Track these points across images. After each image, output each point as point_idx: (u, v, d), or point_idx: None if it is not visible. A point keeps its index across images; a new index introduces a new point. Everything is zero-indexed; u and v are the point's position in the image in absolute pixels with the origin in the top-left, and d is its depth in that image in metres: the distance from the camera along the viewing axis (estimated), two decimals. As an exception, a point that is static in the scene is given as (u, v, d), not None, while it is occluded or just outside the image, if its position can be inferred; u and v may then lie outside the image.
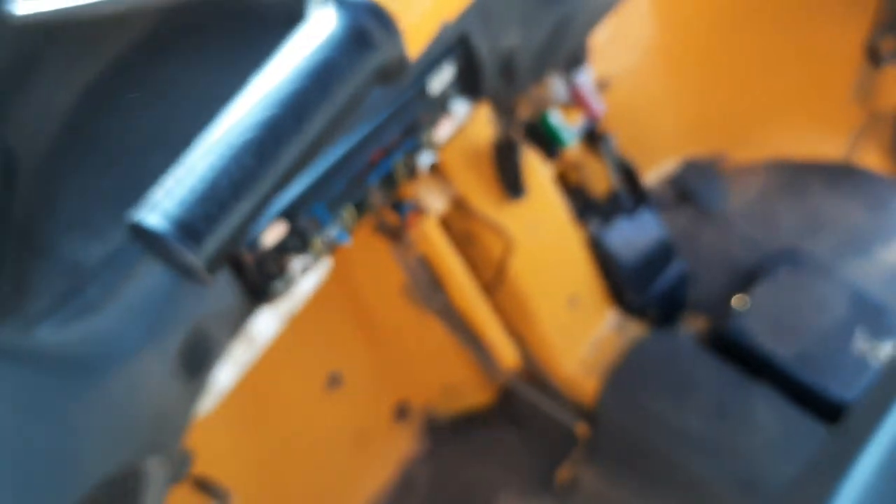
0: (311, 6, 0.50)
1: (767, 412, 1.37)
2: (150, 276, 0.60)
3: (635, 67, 1.71)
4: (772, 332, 1.55)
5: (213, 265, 0.45)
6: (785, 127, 1.84)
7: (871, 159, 1.81)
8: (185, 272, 0.45)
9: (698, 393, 1.39)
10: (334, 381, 1.46)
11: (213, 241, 0.44)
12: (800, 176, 1.81)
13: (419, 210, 1.06)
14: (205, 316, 0.65)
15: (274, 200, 0.48)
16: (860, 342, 1.51)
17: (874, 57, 1.58)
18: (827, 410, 1.44)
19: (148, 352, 0.59)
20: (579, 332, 1.49)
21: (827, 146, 1.83)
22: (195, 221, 0.43)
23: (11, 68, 0.69)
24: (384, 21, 0.49)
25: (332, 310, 1.42)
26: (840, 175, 1.80)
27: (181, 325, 0.62)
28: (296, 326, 1.26)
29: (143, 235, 0.44)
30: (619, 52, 1.65)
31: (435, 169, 1.22)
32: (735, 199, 1.80)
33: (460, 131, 1.22)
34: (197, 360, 0.65)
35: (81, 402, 0.54)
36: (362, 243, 1.35)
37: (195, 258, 0.43)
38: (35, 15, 0.55)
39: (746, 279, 1.68)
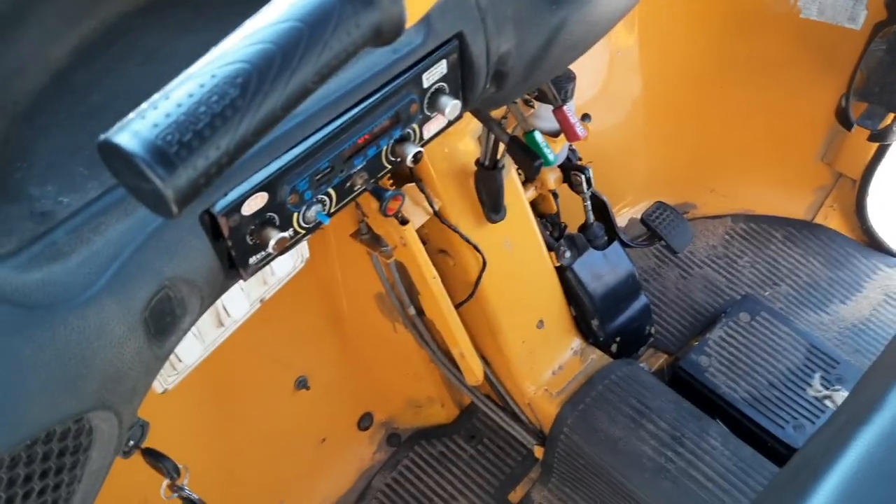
0: None
1: (721, 447, 1.34)
2: (120, 226, 0.56)
3: (619, 117, 1.70)
4: (727, 372, 1.52)
5: (182, 198, 0.40)
6: (752, 183, 1.84)
7: (833, 220, 1.80)
8: (152, 202, 0.41)
9: (655, 422, 1.35)
10: (302, 385, 1.41)
11: (186, 172, 0.40)
12: (763, 228, 1.80)
13: (400, 197, 1.02)
14: (176, 278, 0.60)
15: (254, 144, 0.44)
16: (816, 389, 1.48)
17: (844, 120, 1.58)
18: (780, 453, 1.41)
19: (109, 302, 0.54)
20: (544, 357, 1.45)
21: (792, 204, 1.82)
22: (168, 147, 0.39)
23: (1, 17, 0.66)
24: None
25: (307, 313, 1.38)
26: (802, 231, 1.79)
27: (149, 282, 0.57)
28: (270, 325, 1.21)
29: (111, 155, 0.39)
30: (607, 102, 1.64)
31: (419, 181, 1.18)
32: (700, 243, 1.78)
33: (445, 145, 1.19)
34: (163, 321, 0.60)
35: (33, 341, 0.49)
36: (342, 248, 1.31)
37: (164, 186, 0.39)
38: None
39: (707, 321, 1.65)
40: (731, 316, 1.60)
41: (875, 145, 1.58)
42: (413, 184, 1.19)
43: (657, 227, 1.64)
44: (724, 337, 1.57)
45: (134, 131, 0.39)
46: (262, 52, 0.42)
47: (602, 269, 1.47)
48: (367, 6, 0.45)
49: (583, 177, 1.36)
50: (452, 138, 1.20)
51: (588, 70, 1.55)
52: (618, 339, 1.52)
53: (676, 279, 1.74)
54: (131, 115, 0.40)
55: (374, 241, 1.21)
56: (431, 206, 1.20)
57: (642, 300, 1.53)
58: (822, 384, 1.47)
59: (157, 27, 0.72)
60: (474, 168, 1.20)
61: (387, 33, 0.48)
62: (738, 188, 1.84)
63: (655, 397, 1.39)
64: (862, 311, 1.66)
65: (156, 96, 0.41)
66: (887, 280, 1.71)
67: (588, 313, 1.46)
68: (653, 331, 1.59)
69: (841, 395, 1.43)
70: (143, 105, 0.40)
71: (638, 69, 1.66)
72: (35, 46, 0.69)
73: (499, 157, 1.16)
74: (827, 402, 1.43)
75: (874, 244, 1.76)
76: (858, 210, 1.73)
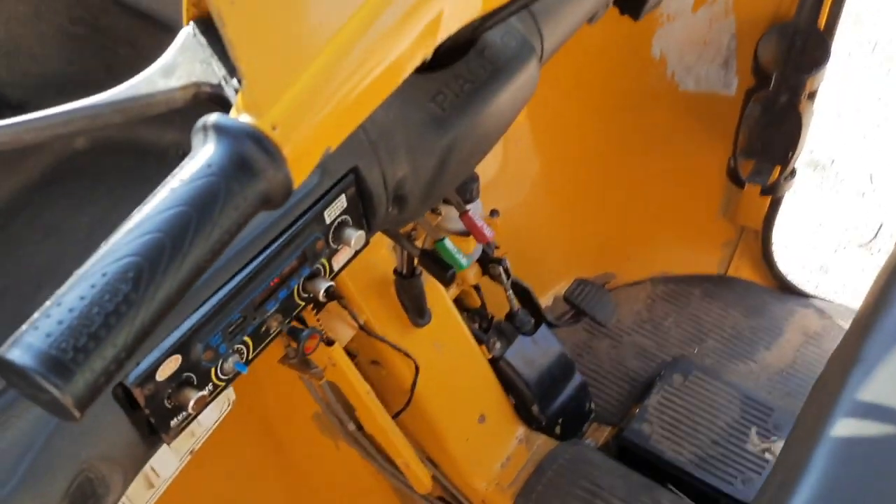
0: (195, 138, 0.48)
1: (676, 515, 1.34)
2: (29, 416, 0.54)
3: (524, 199, 1.74)
4: (671, 436, 1.54)
5: (82, 401, 0.40)
6: (664, 246, 1.89)
7: (744, 270, 1.87)
8: (52, 409, 0.40)
9: (608, 500, 1.35)
10: (245, 520, 1.36)
11: (83, 376, 0.39)
12: (682, 287, 1.86)
13: (317, 335, 1.02)
14: (95, 458, 0.58)
15: (156, 331, 0.44)
16: (755, 443, 1.51)
17: (736, 178, 1.66)
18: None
19: (25, 499, 0.52)
20: (490, 451, 1.44)
21: (704, 261, 1.88)
22: (62, 355, 0.39)
23: None
24: (267, 148, 0.47)
25: (243, 446, 1.34)
26: (718, 285, 1.85)
27: (66, 468, 0.56)
28: (205, 467, 1.17)
29: (6, 371, 0.39)
30: (507, 185, 1.68)
31: (340, 298, 1.19)
32: (626, 310, 1.82)
33: (361, 259, 1.20)
34: (85, 505, 0.58)
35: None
36: (272, 373, 1.29)
37: (62, 395, 0.39)
38: None
39: (643, 388, 1.68)
40: (666, 379, 1.63)
41: (769, 197, 1.67)
42: (334, 301, 1.19)
43: (581, 304, 1.67)
44: (662, 401, 1.60)
45: (27, 344, 0.39)
46: (151, 242, 0.43)
47: (533, 353, 1.48)
48: (251, 179, 0.46)
49: (500, 268, 1.39)
50: (367, 252, 1.20)
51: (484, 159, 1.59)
52: (560, 420, 1.52)
53: (608, 350, 1.77)
54: (24, 326, 0.40)
55: (303, 364, 1.20)
56: (356, 320, 1.21)
57: (577, 378, 1.55)
58: (759, 437, 1.50)
59: (52, 204, 0.71)
60: (393, 276, 1.22)
61: (275, 199, 0.49)
62: (652, 252, 1.90)
63: (605, 474, 1.39)
64: (786, 355, 1.71)
65: (48, 303, 0.41)
66: (804, 320, 1.77)
67: (527, 400, 1.47)
68: (593, 406, 1.60)
69: (778, 446, 1.46)
70: (36, 314, 0.40)
71: (534, 150, 1.71)
72: None
73: (415, 265, 1.18)
74: (767, 455, 1.46)
75: (786, 288, 1.83)
76: (766, 258, 1.81)
